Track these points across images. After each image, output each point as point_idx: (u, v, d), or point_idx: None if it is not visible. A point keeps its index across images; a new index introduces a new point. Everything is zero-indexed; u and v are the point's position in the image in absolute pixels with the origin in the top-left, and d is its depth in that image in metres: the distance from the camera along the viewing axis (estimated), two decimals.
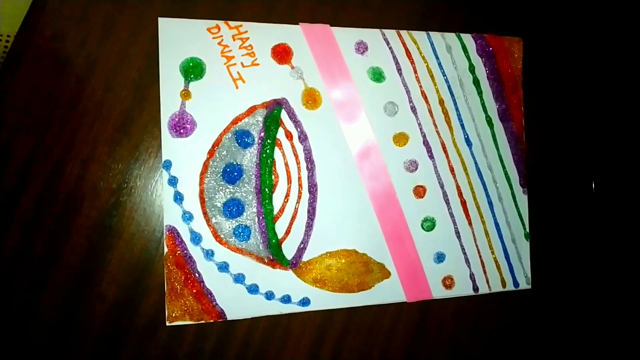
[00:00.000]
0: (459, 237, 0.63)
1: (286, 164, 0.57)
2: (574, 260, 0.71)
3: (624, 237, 0.73)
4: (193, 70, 0.54)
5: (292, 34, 0.58)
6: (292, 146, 0.57)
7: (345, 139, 0.59)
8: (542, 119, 0.70)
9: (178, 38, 0.54)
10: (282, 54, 0.57)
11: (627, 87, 0.74)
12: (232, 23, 0.56)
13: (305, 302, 0.57)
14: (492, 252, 0.65)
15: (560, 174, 0.71)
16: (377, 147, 0.60)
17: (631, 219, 0.73)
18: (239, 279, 0.55)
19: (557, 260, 0.71)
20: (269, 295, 0.56)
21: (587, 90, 0.72)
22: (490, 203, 0.65)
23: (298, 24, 0.58)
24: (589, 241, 0.72)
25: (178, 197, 0.54)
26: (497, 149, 0.65)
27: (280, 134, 0.57)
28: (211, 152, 0.55)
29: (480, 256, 0.64)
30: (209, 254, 0.54)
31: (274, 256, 0.56)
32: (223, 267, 0.55)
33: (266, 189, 0.56)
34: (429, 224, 0.62)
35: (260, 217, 0.56)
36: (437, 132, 0.62)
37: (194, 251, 0.54)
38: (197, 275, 0.54)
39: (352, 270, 0.59)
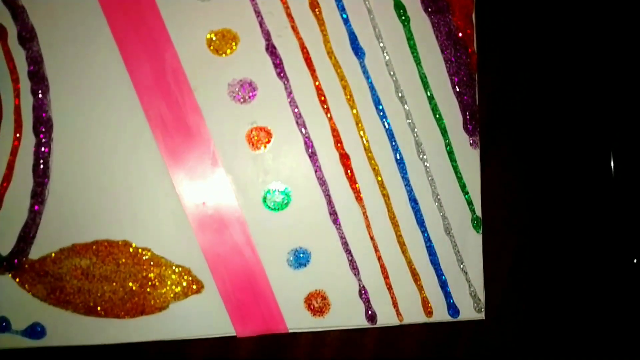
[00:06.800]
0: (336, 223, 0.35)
1: None
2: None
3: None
4: None
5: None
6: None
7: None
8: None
9: None
10: None
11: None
12: None
13: (35, 332, 0.32)
14: (404, 250, 0.36)
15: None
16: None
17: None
18: None
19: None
20: None
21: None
22: (399, 161, 0.36)
23: None
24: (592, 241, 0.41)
25: None
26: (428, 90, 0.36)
27: None
28: None
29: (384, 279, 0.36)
30: None
31: None
32: None
33: None
34: (276, 205, 0.34)
35: None
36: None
37: None
38: None
39: (124, 275, 0.33)
